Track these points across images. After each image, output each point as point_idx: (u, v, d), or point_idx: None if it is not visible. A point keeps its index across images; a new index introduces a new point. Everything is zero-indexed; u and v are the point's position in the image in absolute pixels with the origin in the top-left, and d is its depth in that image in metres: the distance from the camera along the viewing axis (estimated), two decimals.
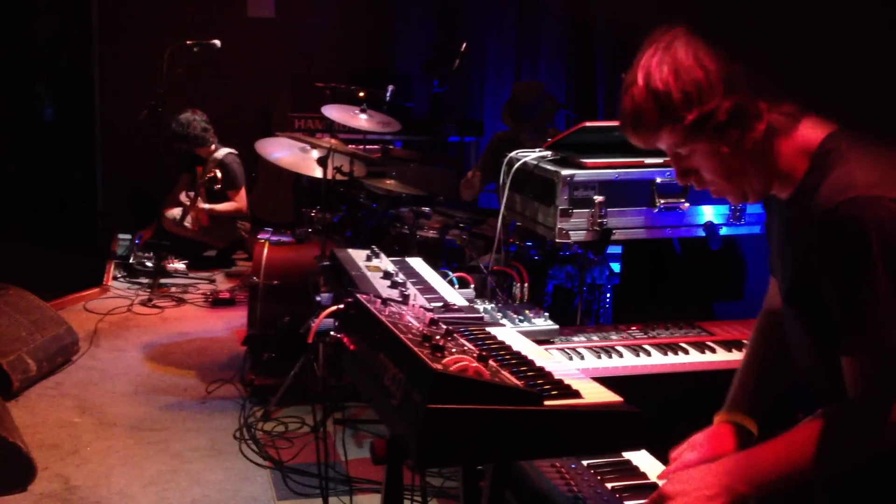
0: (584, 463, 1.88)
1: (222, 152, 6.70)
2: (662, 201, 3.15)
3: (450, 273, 2.78)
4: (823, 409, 1.56)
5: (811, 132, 1.58)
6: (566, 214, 3.09)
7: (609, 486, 1.79)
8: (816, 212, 1.51)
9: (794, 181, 1.60)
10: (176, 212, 6.56)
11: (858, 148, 1.54)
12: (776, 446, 1.58)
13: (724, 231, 3.25)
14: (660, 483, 1.82)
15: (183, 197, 6.59)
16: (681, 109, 1.50)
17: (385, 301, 1.93)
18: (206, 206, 6.52)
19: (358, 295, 1.89)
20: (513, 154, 3.52)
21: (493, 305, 2.92)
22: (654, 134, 1.56)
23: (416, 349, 1.50)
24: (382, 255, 2.67)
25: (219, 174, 6.35)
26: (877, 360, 1.49)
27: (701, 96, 1.49)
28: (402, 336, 1.57)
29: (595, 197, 3.09)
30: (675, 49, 1.50)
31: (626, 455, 1.94)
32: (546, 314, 2.88)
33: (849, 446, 1.54)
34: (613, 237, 3.15)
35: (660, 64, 1.51)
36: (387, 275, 2.43)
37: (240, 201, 6.71)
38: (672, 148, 1.59)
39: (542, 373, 1.67)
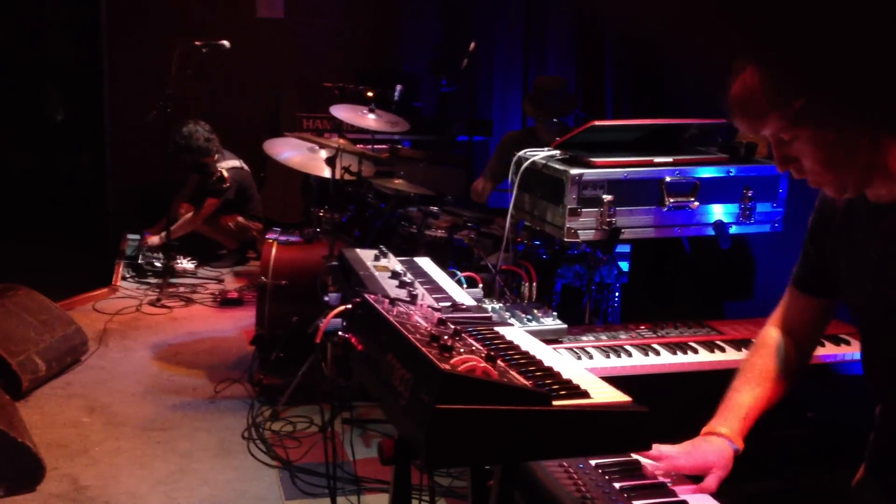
0: (592, 463, 1.88)
1: (226, 164, 6.72)
2: (671, 200, 3.13)
3: (458, 273, 2.77)
4: None
5: None
6: (575, 213, 3.08)
7: (617, 485, 1.79)
8: None
9: None
10: (155, 239, 6.66)
11: None
12: None
13: (733, 230, 3.23)
14: (670, 484, 1.81)
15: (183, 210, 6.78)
16: (791, 94, 1.43)
17: (393, 301, 1.92)
18: (157, 238, 6.65)
19: (366, 295, 1.88)
20: (521, 153, 3.51)
21: (501, 305, 2.92)
22: (761, 119, 1.50)
23: (424, 349, 1.49)
24: (390, 255, 2.67)
25: (225, 173, 6.60)
26: None
27: (812, 81, 1.42)
28: (409, 336, 1.57)
29: (604, 196, 3.08)
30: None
31: (635, 455, 1.94)
32: (554, 314, 2.87)
33: None
34: (622, 236, 3.14)
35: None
36: (395, 275, 2.42)
37: (206, 208, 6.68)
38: (776, 134, 1.52)
39: (550, 373, 1.66)
